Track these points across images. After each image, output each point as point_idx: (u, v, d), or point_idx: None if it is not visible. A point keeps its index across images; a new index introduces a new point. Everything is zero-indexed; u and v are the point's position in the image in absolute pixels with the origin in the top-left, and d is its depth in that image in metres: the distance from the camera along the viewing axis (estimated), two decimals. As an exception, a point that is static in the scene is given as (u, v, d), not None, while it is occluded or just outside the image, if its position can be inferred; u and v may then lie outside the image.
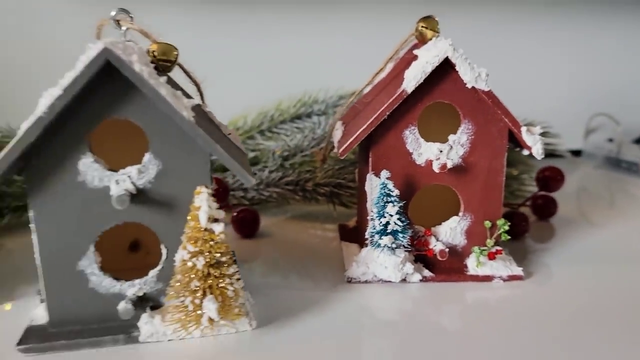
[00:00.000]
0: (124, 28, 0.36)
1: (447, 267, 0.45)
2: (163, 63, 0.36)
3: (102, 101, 0.32)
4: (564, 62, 0.81)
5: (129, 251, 0.43)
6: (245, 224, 0.52)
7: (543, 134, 0.65)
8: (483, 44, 0.74)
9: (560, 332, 0.39)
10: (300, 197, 0.57)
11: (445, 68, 0.41)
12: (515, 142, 0.44)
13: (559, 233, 0.56)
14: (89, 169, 0.33)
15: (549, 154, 0.70)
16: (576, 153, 0.84)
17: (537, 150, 0.43)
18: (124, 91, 0.32)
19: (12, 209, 0.54)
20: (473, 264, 0.44)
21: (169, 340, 0.36)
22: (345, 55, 0.73)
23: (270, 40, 0.72)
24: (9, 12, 0.67)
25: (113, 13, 0.36)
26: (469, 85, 0.41)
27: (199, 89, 0.42)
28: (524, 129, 0.43)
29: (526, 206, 0.57)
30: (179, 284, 0.34)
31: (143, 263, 0.39)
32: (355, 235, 0.51)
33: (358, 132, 0.41)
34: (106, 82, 0.32)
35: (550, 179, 0.56)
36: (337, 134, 0.46)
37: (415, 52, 0.42)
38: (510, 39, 0.79)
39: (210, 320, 0.34)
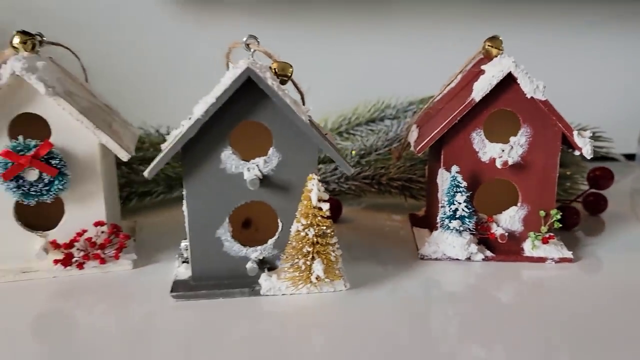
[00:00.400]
0: (252, 50, 0.46)
1: (506, 249, 0.53)
2: (282, 77, 0.45)
3: (241, 107, 0.42)
4: (620, 71, 0.86)
5: (242, 228, 0.54)
6: (330, 210, 0.61)
7: (595, 138, 0.71)
8: (543, 55, 0.82)
9: (604, 307, 0.46)
10: (375, 190, 0.66)
11: (508, 81, 0.49)
12: (568, 144, 0.52)
13: (608, 227, 0.62)
14: (229, 159, 0.44)
15: (603, 156, 0.76)
16: (630, 157, 0.89)
17: (587, 151, 0.50)
18: (258, 100, 0.42)
19: (139, 194, 0.66)
20: (529, 247, 0.52)
21: (283, 294, 0.46)
22: (414, 66, 0.81)
23: (349, 53, 0.82)
24: (139, 28, 0.80)
25: (244, 38, 0.46)
26: (528, 96, 0.49)
27: (302, 97, 0.51)
28: (575, 133, 0.50)
29: (578, 202, 0.64)
30: (293, 249, 0.44)
31: (252, 237, 0.49)
32: (424, 222, 0.59)
33: (433, 133, 0.50)
34: (245, 93, 0.42)
35: (601, 177, 0.63)
36: (413, 135, 0.55)
37: (483, 67, 0.51)
38: (570, 49, 0.85)
39: (318, 278, 0.43)
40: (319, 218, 0.43)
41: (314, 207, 0.43)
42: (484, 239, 0.53)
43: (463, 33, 0.83)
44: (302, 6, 0.81)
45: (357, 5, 0.82)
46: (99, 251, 0.49)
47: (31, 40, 0.47)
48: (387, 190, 0.66)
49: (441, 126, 0.50)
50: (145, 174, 0.43)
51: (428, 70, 0.78)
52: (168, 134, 0.69)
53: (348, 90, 0.75)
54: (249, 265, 0.45)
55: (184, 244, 0.50)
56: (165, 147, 0.50)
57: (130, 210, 0.65)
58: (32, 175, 0.45)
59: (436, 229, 0.53)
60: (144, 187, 0.66)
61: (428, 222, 0.58)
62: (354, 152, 0.69)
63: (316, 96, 0.75)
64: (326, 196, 0.43)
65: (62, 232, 0.48)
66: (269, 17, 0.81)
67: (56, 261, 0.48)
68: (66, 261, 0.48)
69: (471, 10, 0.83)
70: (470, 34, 0.83)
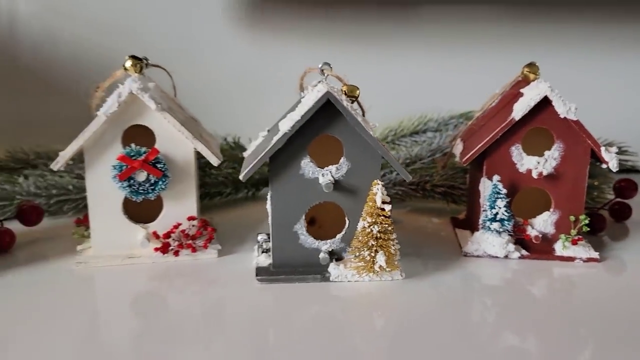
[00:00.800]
0: (326, 74, 0.54)
1: (539, 249, 0.60)
2: (350, 98, 0.54)
3: (319, 123, 0.51)
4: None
5: (308, 225, 0.62)
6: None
7: (621, 152, 0.78)
8: (576, 74, 0.89)
9: (627, 303, 0.52)
10: (420, 195, 0.73)
11: (544, 103, 0.57)
12: (596, 157, 0.59)
13: (632, 233, 0.68)
14: (307, 166, 0.52)
15: (628, 169, 0.82)
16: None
17: (613, 165, 0.57)
18: (333, 117, 0.51)
19: (211, 194, 0.75)
20: (560, 247, 0.59)
21: (349, 281, 0.54)
22: (454, 84, 0.89)
23: (396, 72, 0.90)
24: (211, 50, 0.89)
25: (320, 65, 0.54)
26: (561, 116, 0.56)
27: (363, 113, 0.59)
28: (603, 148, 0.57)
29: (604, 210, 0.71)
30: (359, 243, 0.52)
31: (316, 233, 0.57)
32: (465, 224, 0.67)
33: (478, 147, 0.58)
34: (323, 111, 0.50)
35: (626, 188, 0.69)
36: (459, 148, 0.63)
37: (522, 90, 0.58)
38: (600, 70, 0.92)
39: (380, 267, 0.51)
40: (382, 217, 0.51)
41: (378, 208, 0.51)
42: (520, 240, 0.60)
43: (498, 55, 0.91)
44: (353, 31, 0.90)
45: (403, 30, 0.90)
46: (190, 241, 0.58)
47: (139, 64, 0.56)
48: (430, 195, 0.73)
49: (485, 141, 0.57)
50: (241, 177, 0.52)
51: (466, 88, 0.86)
52: (235, 142, 0.79)
53: (393, 105, 0.83)
54: (321, 255, 0.53)
55: (261, 237, 0.59)
56: (247, 154, 0.59)
57: (203, 208, 0.74)
58: (142, 176, 0.54)
59: (478, 230, 0.60)
60: (215, 188, 0.75)
61: (469, 224, 0.66)
62: (399, 161, 0.76)
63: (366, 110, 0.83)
64: (388, 199, 0.51)
65: (160, 225, 0.57)
66: (320, 39, 0.90)
67: (156, 249, 0.57)
68: (164, 249, 0.57)
69: (505, 35, 0.90)
70: (504, 56, 0.92)
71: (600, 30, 0.91)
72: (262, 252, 0.57)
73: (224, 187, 0.75)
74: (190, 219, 0.58)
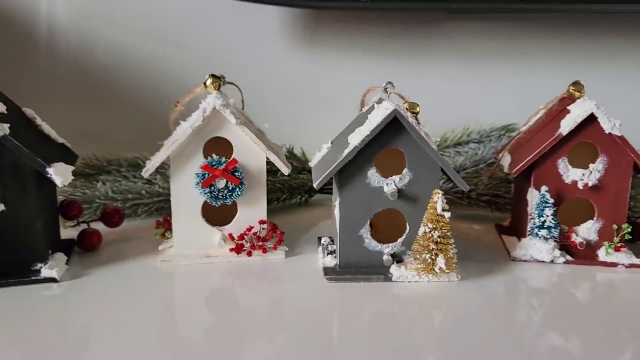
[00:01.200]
0: (389, 92, 0.59)
1: (584, 255, 0.64)
2: (411, 113, 0.59)
3: (386, 138, 0.56)
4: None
5: (366, 229, 0.67)
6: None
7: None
8: (620, 89, 0.93)
9: None
10: (465, 203, 0.78)
11: (590, 119, 0.61)
12: (638, 170, 0.63)
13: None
14: (373, 176, 0.57)
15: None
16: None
17: (654, 177, 0.62)
18: (398, 132, 0.56)
19: (268, 200, 0.80)
20: (603, 254, 0.64)
21: (409, 281, 0.59)
22: (494, 98, 0.94)
23: (439, 86, 0.95)
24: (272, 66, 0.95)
25: (384, 84, 0.60)
26: (606, 131, 0.61)
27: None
28: (645, 161, 0.62)
29: (643, 219, 0.75)
30: (420, 246, 0.57)
31: (376, 237, 0.62)
32: (510, 230, 0.71)
33: (527, 159, 0.62)
34: (390, 126, 0.56)
35: (664, 199, 0.74)
36: (507, 160, 0.67)
37: (569, 107, 0.63)
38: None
39: (440, 269, 0.56)
40: (442, 223, 0.56)
41: (438, 214, 0.56)
42: (565, 246, 0.64)
43: (535, 71, 0.96)
44: (399, 48, 0.95)
45: (446, 47, 0.95)
46: (262, 243, 0.63)
47: (218, 82, 0.62)
48: (475, 203, 0.78)
49: (534, 154, 0.62)
50: (315, 185, 0.57)
51: (506, 102, 0.92)
52: (289, 151, 0.84)
53: (438, 118, 0.87)
54: (385, 257, 0.58)
55: (324, 240, 0.64)
56: (313, 164, 0.64)
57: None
58: (221, 183, 0.60)
59: (525, 237, 0.65)
60: (272, 195, 0.80)
61: (514, 231, 0.70)
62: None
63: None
64: (447, 206, 0.56)
65: (235, 227, 0.63)
66: (369, 56, 0.96)
67: (231, 249, 0.63)
68: (238, 250, 0.63)
69: (541, 51, 0.95)
70: (541, 72, 0.97)
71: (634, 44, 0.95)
72: (328, 253, 0.62)
73: (281, 193, 0.81)
74: (261, 222, 0.63)
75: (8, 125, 0.53)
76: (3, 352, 0.47)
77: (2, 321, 0.51)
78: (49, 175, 0.55)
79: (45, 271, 0.57)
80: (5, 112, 0.55)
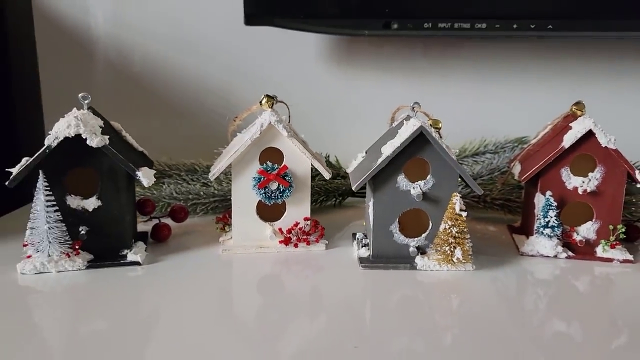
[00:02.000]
0: (415, 111, 0.71)
1: (583, 251, 0.74)
2: (435, 129, 0.70)
3: (413, 149, 0.67)
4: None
5: (394, 227, 0.78)
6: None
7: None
8: (617, 105, 1.03)
9: None
10: (481, 207, 0.89)
11: (589, 134, 0.71)
12: (632, 178, 0.73)
13: (664, 242, 0.82)
14: (401, 181, 0.69)
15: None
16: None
17: (645, 184, 0.72)
18: (423, 144, 0.67)
19: (318, 201, 0.92)
20: (600, 250, 0.73)
21: (431, 270, 0.70)
22: (509, 113, 1.05)
23: (460, 103, 1.05)
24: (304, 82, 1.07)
25: (411, 104, 0.71)
26: (603, 145, 0.71)
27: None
28: (637, 171, 0.71)
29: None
30: (441, 240, 0.68)
31: (402, 233, 0.73)
32: (520, 230, 0.81)
33: (534, 168, 0.73)
34: (417, 140, 0.67)
35: (658, 205, 0.83)
36: (517, 168, 0.78)
37: (571, 124, 0.73)
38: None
39: (457, 259, 0.67)
40: (460, 221, 0.67)
41: (456, 214, 0.67)
42: (567, 243, 0.74)
43: (545, 89, 1.06)
44: (422, 67, 1.06)
45: (465, 67, 1.06)
46: (306, 237, 0.75)
47: (272, 100, 0.74)
48: (490, 207, 0.89)
49: (540, 163, 0.73)
50: (354, 188, 0.68)
51: (519, 117, 1.02)
52: (325, 159, 0.96)
53: (457, 131, 0.98)
54: (411, 249, 0.69)
55: (359, 235, 0.76)
56: (350, 170, 0.76)
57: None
58: (274, 186, 0.72)
59: (532, 235, 0.75)
60: (320, 196, 0.92)
61: (524, 230, 0.80)
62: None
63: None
64: (464, 207, 0.67)
65: (284, 223, 0.75)
66: (396, 77, 1.07)
67: (280, 242, 0.74)
68: (286, 242, 0.74)
69: (554, 75, 1.05)
70: (549, 90, 1.07)
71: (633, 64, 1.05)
72: (362, 246, 0.73)
73: (318, 195, 0.93)
74: (306, 219, 0.75)
75: (108, 137, 0.66)
76: (97, 320, 0.58)
77: (96, 296, 0.63)
78: (137, 177, 0.67)
79: (131, 256, 0.70)
80: (103, 126, 0.68)
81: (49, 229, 0.65)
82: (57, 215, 0.65)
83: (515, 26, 0.91)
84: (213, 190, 0.88)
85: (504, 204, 0.87)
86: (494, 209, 0.89)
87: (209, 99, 1.08)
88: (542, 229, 0.73)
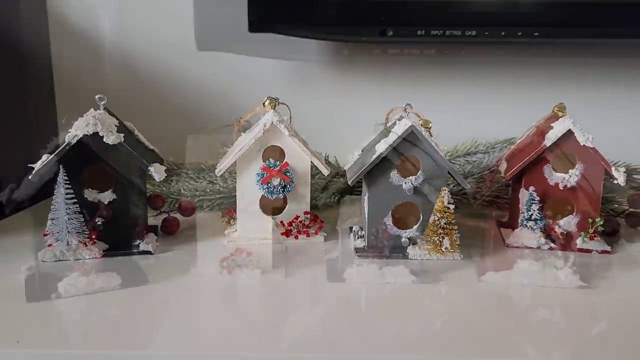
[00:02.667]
0: (407, 112, 0.76)
1: (564, 242, 0.79)
2: (426, 129, 0.75)
3: (405, 147, 0.73)
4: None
5: (388, 221, 0.83)
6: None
7: (633, 171, 0.96)
8: (599, 109, 1.08)
9: (633, 281, 0.71)
10: (472, 203, 0.94)
11: (569, 134, 0.77)
12: (609, 175, 0.78)
13: (642, 235, 0.87)
14: (394, 176, 0.74)
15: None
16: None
17: (621, 180, 0.77)
18: (415, 142, 0.73)
19: (317, 198, 0.98)
20: (580, 242, 0.78)
21: (422, 259, 0.75)
22: (498, 116, 1.10)
23: (452, 106, 1.11)
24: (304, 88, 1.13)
25: (403, 105, 0.76)
26: (582, 144, 0.76)
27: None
28: (613, 168, 0.77)
29: (621, 217, 0.89)
30: (430, 231, 0.73)
31: (395, 225, 0.78)
32: (507, 224, 0.87)
33: (518, 165, 0.78)
34: (407, 139, 0.72)
35: (637, 200, 0.88)
36: (504, 166, 0.83)
37: (552, 124, 0.78)
38: (619, 105, 1.11)
39: (446, 249, 0.72)
40: (448, 213, 0.72)
41: (445, 206, 0.72)
42: (549, 235, 0.80)
43: (531, 93, 1.12)
44: (417, 74, 1.12)
45: (457, 73, 1.12)
46: (306, 229, 0.80)
47: (274, 102, 0.79)
48: (480, 203, 0.94)
49: (523, 161, 0.78)
50: (350, 182, 0.74)
51: (507, 119, 1.06)
52: (325, 159, 1.01)
53: (450, 132, 1.03)
54: (403, 239, 0.74)
55: (355, 227, 0.81)
56: (347, 167, 0.81)
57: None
58: (276, 181, 0.77)
59: (517, 228, 0.81)
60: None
61: (510, 224, 0.85)
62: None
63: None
64: (452, 200, 0.72)
65: (285, 216, 0.80)
66: (391, 82, 1.13)
67: (282, 234, 0.80)
68: (287, 234, 0.80)
69: (539, 79, 1.11)
70: (535, 94, 1.12)
71: (620, 68, 1.10)
72: (358, 237, 0.79)
73: (316, 192, 0.98)
74: (306, 213, 0.80)
75: (123, 135, 0.72)
76: (112, 304, 0.63)
77: (111, 282, 0.68)
78: (150, 173, 0.73)
79: (143, 246, 0.75)
80: (118, 125, 0.73)
81: (69, 219, 0.70)
82: (76, 207, 0.70)
83: (503, 33, 0.97)
84: (219, 188, 0.93)
85: (492, 200, 0.93)
86: (484, 206, 0.94)
87: (216, 102, 1.14)
88: (525, 221, 0.79)
